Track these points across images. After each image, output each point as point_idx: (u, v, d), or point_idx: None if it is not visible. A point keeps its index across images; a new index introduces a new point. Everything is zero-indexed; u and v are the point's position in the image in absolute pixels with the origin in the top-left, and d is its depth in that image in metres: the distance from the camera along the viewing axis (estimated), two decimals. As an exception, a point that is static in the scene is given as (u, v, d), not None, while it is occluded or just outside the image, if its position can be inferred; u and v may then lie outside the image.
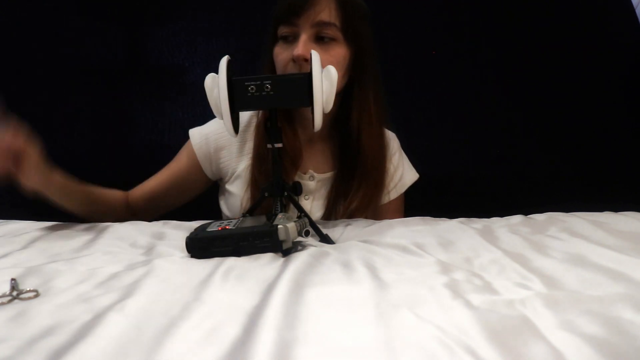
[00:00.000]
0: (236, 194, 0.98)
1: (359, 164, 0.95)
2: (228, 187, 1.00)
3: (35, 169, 0.76)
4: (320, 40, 0.87)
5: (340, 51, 0.89)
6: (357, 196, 0.95)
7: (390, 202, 1.03)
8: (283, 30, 0.88)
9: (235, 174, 0.99)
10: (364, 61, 0.92)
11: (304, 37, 0.86)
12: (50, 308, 0.44)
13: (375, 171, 0.96)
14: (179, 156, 1.02)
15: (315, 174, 0.98)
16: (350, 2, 0.89)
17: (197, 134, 1.00)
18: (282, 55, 0.88)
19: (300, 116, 0.96)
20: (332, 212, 0.96)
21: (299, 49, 0.84)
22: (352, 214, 0.95)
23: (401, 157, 1.07)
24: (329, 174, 0.99)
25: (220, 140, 0.98)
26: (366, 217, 0.95)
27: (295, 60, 0.85)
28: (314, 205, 0.98)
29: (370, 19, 0.94)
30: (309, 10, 0.85)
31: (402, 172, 1.05)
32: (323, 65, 0.73)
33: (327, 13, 0.86)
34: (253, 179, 0.94)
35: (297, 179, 0.96)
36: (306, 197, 0.98)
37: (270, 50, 0.92)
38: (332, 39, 0.88)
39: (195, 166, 1.00)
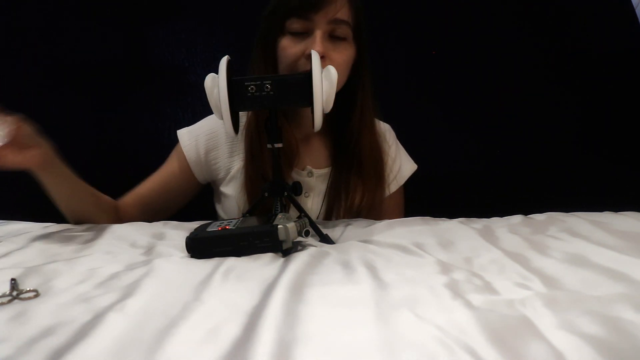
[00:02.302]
0: (232, 196, 0.96)
1: (358, 160, 0.94)
2: (223, 189, 0.98)
3: (39, 146, 0.76)
4: (332, 38, 0.85)
5: (350, 50, 0.88)
6: (359, 192, 0.94)
7: (391, 194, 1.03)
8: (294, 24, 0.84)
9: (229, 176, 0.96)
10: (364, 59, 0.92)
11: (319, 34, 0.83)
12: (50, 308, 0.44)
13: (374, 167, 0.96)
14: (170, 160, 0.99)
15: (313, 170, 0.97)
16: (359, 2, 0.88)
17: (187, 136, 0.97)
18: (292, 49, 0.85)
19: (295, 114, 0.95)
20: (334, 208, 0.95)
21: (318, 45, 0.81)
22: (356, 211, 0.95)
23: (398, 149, 1.06)
24: (326, 170, 0.98)
25: (211, 142, 0.96)
26: (369, 212, 0.95)
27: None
28: (314, 201, 0.97)
29: (367, 20, 0.94)
30: (328, 6, 0.83)
31: (400, 164, 1.05)
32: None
33: (344, 11, 0.85)
34: (248, 179, 0.92)
35: (295, 175, 0.96)
36: (306, 194, 0.97)
37: (270, 42, 0.88)
38: (344, 38, 0.87)
39: (186, 170, 0.97)
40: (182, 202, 1.01)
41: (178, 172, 0.97)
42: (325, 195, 0.96)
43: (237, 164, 0.96)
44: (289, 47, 0.85)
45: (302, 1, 0.83)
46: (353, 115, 0.93)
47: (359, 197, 0.94)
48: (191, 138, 0.96)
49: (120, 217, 0.94)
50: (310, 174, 0.97)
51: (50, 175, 0.80)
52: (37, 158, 0.76)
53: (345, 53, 0.87)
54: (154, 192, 0.97)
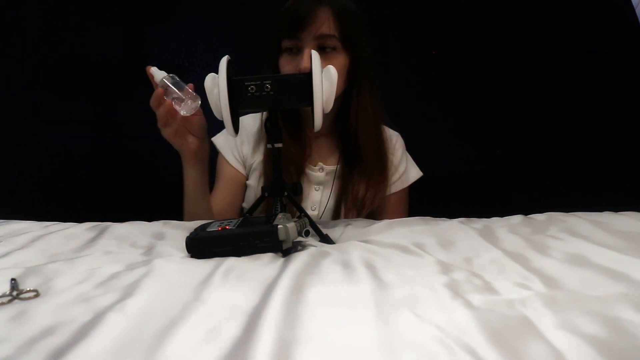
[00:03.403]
0: (252, 186, 1.05)
1: (359, 157, 1.00)
2: (246, 181, 1.06)
3: (201, 135, 0.87)
4: (322, 50, 0.91)
5: (341, 59, 0.93)
6: (363, 185, 1.00)
7: (394, 194, 1.08)
8: (286, 43, 0.92)
9: (252, 167, 1.05)
10: (360, 64, 0.96)
11: (307, 51, 0.89)
12: (50, 308, 0.44)
13: (375, 163, 1.02)
14: (219, 166, 1.06)
15: (324, 166, 1.04)
16: (346, 11, 0.92)
17: (223, 142, 1.05)
18: (287, 67, 0.93)
19: (306, 113, 1.00)
20: (342, 201, 1.02)
21: (305, 62, 0.87)
22: (362, 204, 1.00)
23: (404, 155, 1.11)
24: (336, 166, 1.04)
25: (238, 139, 1.04)
26: (374, 209, 1.01)
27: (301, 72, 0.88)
28: (324, 194, 1.04)
29: (367, 20, 0.96)
30: (310, 24, 0.89)
31: (406, 166, 1.10)
32: None
33: (327, 26, 0.91)
34: (265, 172, 1.01)
35: (308, 170, 1.03)
36: (316, 188, 1.04)
37: (273, 60, 0.96)
38: (333, 49, 0.92)
39: (233, 170, 1.05)
40: (243, 199, 1.08)
41: (229, 174, 1.05)
42: (334, 189, 1.03)
43: (258, 157, 1.04)
44: (284, 65, 0.94)
45: (289, 22, 0.91)
46: (349, 116, 0.99)
47: (362, 190, 1.00)
48: (227, 141, 1.05)
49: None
50: (322, 169, 1.04)
51: (192, 167, 0.90)
52: (193, 147, 0.87)
53: (337, 62, 0.92)
54: (224, 200, 1.04)
